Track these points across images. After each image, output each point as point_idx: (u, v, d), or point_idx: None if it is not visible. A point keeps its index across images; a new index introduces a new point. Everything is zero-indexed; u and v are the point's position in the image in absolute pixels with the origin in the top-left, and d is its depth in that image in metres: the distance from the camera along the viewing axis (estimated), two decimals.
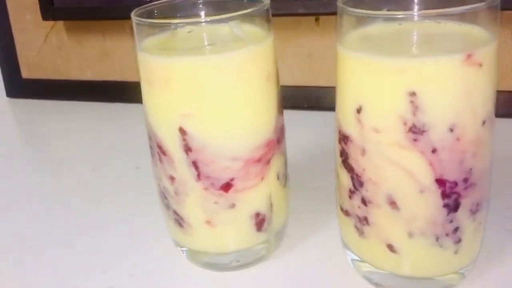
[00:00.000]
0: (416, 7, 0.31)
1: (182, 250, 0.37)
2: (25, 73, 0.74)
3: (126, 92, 0.67)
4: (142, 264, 0.37)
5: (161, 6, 0.34)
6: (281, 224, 0.37)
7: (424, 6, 0.31)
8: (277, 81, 0.33)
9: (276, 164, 0.34)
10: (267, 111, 0.32)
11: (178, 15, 0.34)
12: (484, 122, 0.28)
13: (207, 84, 0.30)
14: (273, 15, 0.32)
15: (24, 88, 0.74)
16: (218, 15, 0.31)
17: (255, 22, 0.31)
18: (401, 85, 0.26)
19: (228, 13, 0.30)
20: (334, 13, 0.30)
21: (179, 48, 0.32)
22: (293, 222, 0.39)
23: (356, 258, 0.33)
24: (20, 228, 0.43)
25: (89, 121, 0.66)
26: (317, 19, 0.58)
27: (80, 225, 0.43)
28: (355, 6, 0.29)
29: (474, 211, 0.30)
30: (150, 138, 0.34)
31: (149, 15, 0.33)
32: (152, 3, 0.33)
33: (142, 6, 0.33)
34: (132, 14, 0.32)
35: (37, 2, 0.66)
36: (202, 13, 0.34)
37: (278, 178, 0.35)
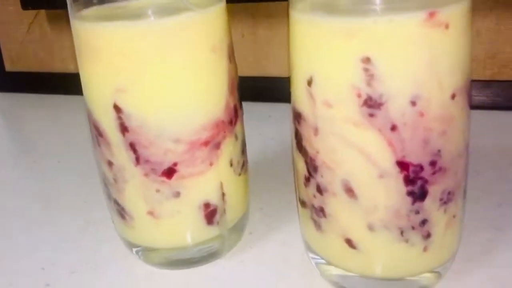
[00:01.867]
0: None
1: (134, 251, 0.33)
2: (8, 66, 0.72)
3: None
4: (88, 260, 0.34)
5: None
6: (238, 218, 0.33)
7: None
8: (229, 55, 0.30)
9: (228, 149, 0.30)
10: (214, 87, 0.29)
11: None
12: (453, 96, 0.24)
13: (142, 54, 0.27)
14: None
15: (8, 81, 0.72)
16: None
17: None
18: (353, 49, 0.23)
19: None
20: None
21: (116, 16, 0.29)
22: (258, 218, 0.35)
23: (317, 257, 0.29)
24: None
25: (72, 114, 0.63)
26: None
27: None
28: None
29: (445, 201, 0.25)
30: (90, 123, 0.30)
31: None
32: None
33: None
34: None
35: None
36: None
37: (231, 165, 0.31)
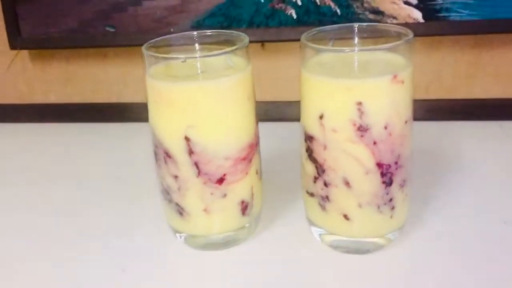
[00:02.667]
0: (355, 40, 0.43)
1: (179, 236, 0.46)
2: None
3: (89, 113, 0.75)
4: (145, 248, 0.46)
5: (164, 40, 0.44)
6: (258, 210, 0.47)
7: (360, 38, 0.43)
8: (254, 99, 0.43)
9: (255, 162, 0.44)
10: (249, 122, 0.43)
11: (177, 47, 0.43)
12: (406, 122, 0.40)
13: (205, 103, 0.40)
14: None
15: None
16: (209, 46, 0.42)
17: (239, 54, 0.41)
18: (351, 97, 0.38)
19: (217, 45, 0.41)
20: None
21: (181, 74, 0.41)
22: (265, 210, 0.49)
23: (320, 230, 0.44)
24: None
25: (52, 141, 0.72)
26: (262, 45, 0.69)
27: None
28: (313, 40, 0.40)
29: (402, 185, 0.41)
30: (156, 146, 0.43)
31: (156, 48, 0.42)
32: (157, 39, 0.43)
33: (150, 41, 0.42)
34: (143, 49, 0.41)
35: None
36: (196, 45, 0.44)
37: (256, 173, 0.45)
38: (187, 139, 0.40)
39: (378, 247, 0.43)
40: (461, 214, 0.48)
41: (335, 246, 0.44)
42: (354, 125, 0.38)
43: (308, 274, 0.42)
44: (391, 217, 0.42)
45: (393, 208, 0.42)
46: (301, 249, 0.45)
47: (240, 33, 0.43)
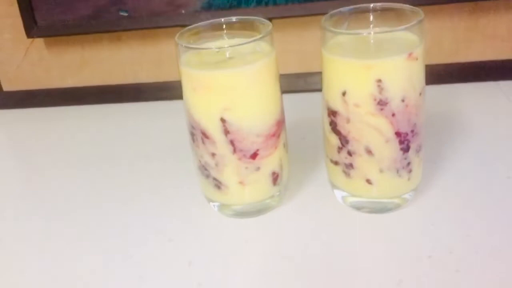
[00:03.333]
0: (370, 19, 0.46)
1: (214, 205, 0.51)
2: (6, 86, 0.82)
3: (107, 94, 0.79)
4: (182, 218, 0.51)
5: (194, 28, 0.47)
6: (286, 179, 0.51)
7: (374, 18, 0.46)
8: (279, 78, 0.47)
9: (283, 137, 0.49)
10: (276, 100, 0.47)
11: (207, 35, 0.47)
12: (420, 94, 0.44)
13: (239, 87, 0.44)
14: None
15: (6, 100, 0.82)
16: (234, 32, 0.47)
17: (265, 40, 0.45)
18: (372, 75, 0.42)
19: (241, 30, 0.45)
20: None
21: (213, 61, 0.45)
22: (291, 178, 0.54)
23: (343, 193, 0.49)
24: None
25: (73, 124, 0.76)
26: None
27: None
28: (330, 22, 0.44)
29: (418, 151, 0.46)
30: (192, 127, 0.47)
31: (188, 37, 0.46)
32: (187, 28, 0.47)
33: (182, 31, 0.46)
34: (176, 39, 0.45)
35: (13, 22, 0.75)
36: (224, 32, 0.48)
37: (284, 146, 0.49)
38: (223, 120, 0.45)
39: (396, 206, 0.48)
40: (468, 171, 0.53)
41: (358, 207, 0.49)
42: (375, 100, 0.43)
43: (334, 233, 0.47)
44: (408, 179, 0.47)
45: (410, 171, 0.46)
46: (326, 211, 0.50)
47: (264, 20, 0.47)
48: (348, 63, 0.43)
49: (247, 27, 0.48)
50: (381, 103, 0.43)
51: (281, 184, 0.50)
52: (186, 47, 0.45)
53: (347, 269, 0.43)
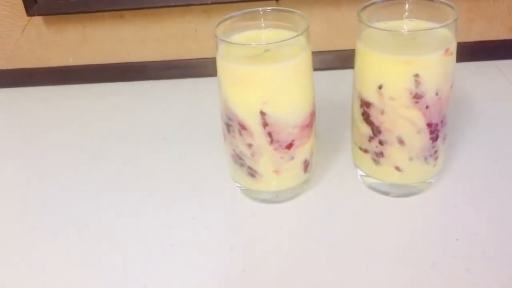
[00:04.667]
0: (405, 11, 0.48)
1: (243, 190, 0.52)
2: (2, 65, 0.79)
3: (110, 73, 0.78)
4: (216, 202, 0.52)
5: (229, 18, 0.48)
6: (315, 165, 0.53)
7: (409, 11, 0.48)
8: (312, 71, 0.49)
9: (314, 126, 0.50)
10: (311, 92, 0.48)
11: (242, 25, 0.48)
12: (451, 86, 0.46)
13: (280, 81, 0.45)
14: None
15: (3, 79, 0.80)
16: (269, 23, 0.47)
17: (303, 34, 0.46)
18: (410, 70, 0.44)
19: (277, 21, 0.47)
20: None
21: (250, 54, 0.45)
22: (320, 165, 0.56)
23: (371, 179, 0.52)
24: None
25: (74, 103, 0.75)
26: (277, 0, 0.73)
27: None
28: (364, 12, 0.46)
29: (444, 138, 0.49)
30: (229, 119, 0.48)
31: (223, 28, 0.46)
32: (223, 19, 0.47)
33: (218, 22, 0.46)
34: (216, 34, 0.45)
35: None
36: (260, 22, 0.49)
37: (315, 135, 0.51)
38: (262, 113, 0.46)
39: (420, 191, 0.51)
40: (479, 153, 0.56)
41: (385, 192, 0.51)
42: (411, 93, 0.44)
43: (363, 217, 0.49)
44: (434, 166, 0.50)
45: (436, 158, 0.49)
46: (353, 195, 0.52)
47: (300, 12, 0.47)
48: (386, 58, 0.44)
49: (282, 18, 0.48)
50: (417, 97, 0.45)
51: (311, 171, 0.52)
52: (225, 41, 0.45)
53: (378, 252, 0.46)
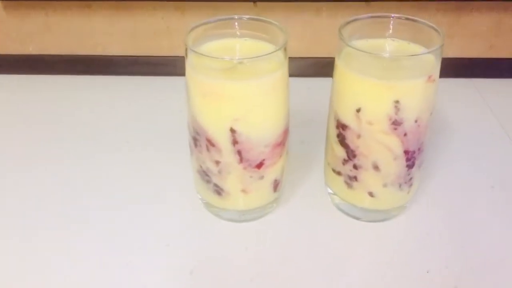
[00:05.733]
0: (389, 30, 0.45)
1: (211, 209, 0.49)
2: None
3: (73, 65, 0.73)
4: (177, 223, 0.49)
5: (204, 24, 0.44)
6: (285, 183, 0.51)
7: (393, 30, 0.46)
8: (289, 85, 0.46)
9: (287, 143, 0.48)
10: (286, 109, 0.45)
11: (216, 32, 0.45)
12: (431, 113, 0.44)
13: (253, 98, 0.42)
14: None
15: None
16: (244, 32, 0.45)
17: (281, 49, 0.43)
18: (391, 96, 0.41)
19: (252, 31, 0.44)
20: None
21: (225, 67, 0.42)
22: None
23: (342, 202, 0.49)
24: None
25: (30, 95, 0.70)
26: (255, 3, 0.69)
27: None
28: (347, 29, 0.43)
29: (419, 165, 0.47)
30: (197, 133, 0.45)
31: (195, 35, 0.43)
32: (195, 25, 0.43)
33: (190, 29, 0.43)
34: (187, 44, 0.42)
35: None
36: (234, 30, 0.46)
37: (287, 153, 0.48)
38: (232, 130, 0.43)
39: (392, 216, 0.49)
40: (453, 177, 0.55)
41: (355, 217, 0.49)
42: (390, 119, 0.42)
43: (331, 238, 0.47)
44: (408, 192, 0.48)
45: (411, 185, 0.47)
46: (322, 217, 0.50)
47: (278, 24, 0.44)
48: (366, 81, 0.42)
49: (260, 28, 0.45)
50: (396, 123, 0.42)
51: (280, 189, 0.50)
52: (195, 52, 0.41)
53: (346, 277, 0.44)
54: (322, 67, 0.69)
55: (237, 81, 0.41)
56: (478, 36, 0.72)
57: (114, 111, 0.67)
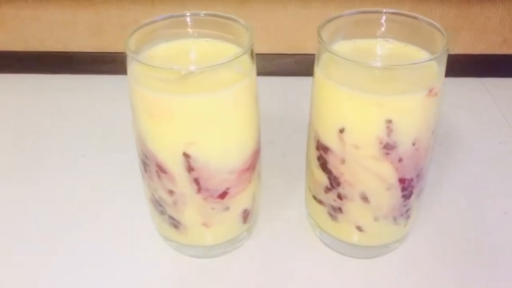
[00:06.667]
0: (380, 30, 0.37)
1: (169, 244, 0.41)
2: None
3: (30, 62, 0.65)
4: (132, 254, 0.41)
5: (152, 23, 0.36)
6: (258, 212, 0.43)
7: (384, 29, 0.37)
8: (258, 97, 0.38)
9: (258, 167, 0.39)
10: (254, 126, 0.37)
11: (166, 32, 0.36)
12: (433, 132, 0.36)
13: (212, 116, 0.34)
14: None
15: None
16: (201, 31, 0.37)
17: (245, 55, 0.34)
18: (381, 114, 0.33)
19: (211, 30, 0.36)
20: None
21: (176, 77, 0.34)
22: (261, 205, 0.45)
23: (325, 235, 0.41)
24: None
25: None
26: None
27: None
28: (329, 29, 0.35)
29: (419, 194, 0.39)
30: (145, 157, 0.37)
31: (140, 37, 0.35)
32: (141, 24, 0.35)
33: (133, 30, 0.35)
34: (127, 47, 0.33)
35: None
36: (189, 30, 0.37)
37: (258, 177, 0.40)
38: (186, 155, 0.35)
39: (386, 252, 0.41)
40: (461, 200, 0.46)
41: (341, 252, 0.41)
42: (381, 143, 0.34)
43: (311, 278, 0.39)
44: (405, 226, 0.40)
45: (408, 217, 0.39)
46: (302, 251, 0.42)
47: (243, 22, 0.36)
48: (350, 95, 0.33)
49: (221, 27, 0.37)
50: (388, 147, 0.34)
51: (252, 220, 0.42)
52: (135, 60, 0.33)
53: None
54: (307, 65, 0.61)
55: (189, 96, 0.33)
56: (489, 30, 0.63)
57: (74, 115, 0.59)
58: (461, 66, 0.64)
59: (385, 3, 0.57)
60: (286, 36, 0.63)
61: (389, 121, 0.33)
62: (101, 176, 0.50)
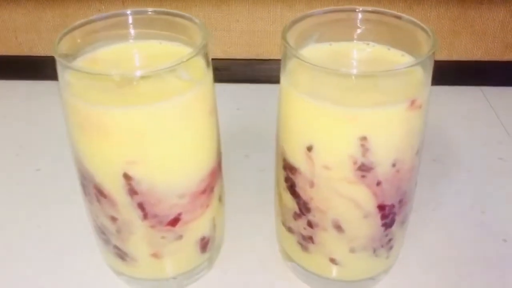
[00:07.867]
0: (355, 33, 0.32)
1: (120, 278, 0.36)
2: None
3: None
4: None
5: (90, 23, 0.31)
6: (220, 239, 0.38)
7: (360, 30, 0.32)
8: (216, 109, 0.32)
9: (218, 189, 0.34)
10: (211, 142, 0.32)
11: (106, 34, 0.31)
12: (417, 151, 0.31)
13: (154, 131, 0.28)
14: None
15: None
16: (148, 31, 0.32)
17: (197, 56, 0.29)
18: (354, 130, 0.28)
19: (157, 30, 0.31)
20: None
21: (115, 86, 0.29)
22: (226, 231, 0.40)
23: (297, 266, 0.36)
24: None
25: None
26: None
27: None
28: (296, 31, 0.30)
29: (403, 222, 0.33)
30: (83, 177, 0.31)
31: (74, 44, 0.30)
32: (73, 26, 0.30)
33: (64, 31, 0.30)
34: (54, 50, 0.29)
35: None
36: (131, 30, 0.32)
37: (219, 200, 0.35)
38: (127, 177, 0.29)
39: (368, 286, 0.36)
40: (453, 226, 0.41)
41: (313, 286, 0.36)
42: (355, 163, 0.29)
43: None
44: (387, 257, 0.34)
45: (390, 248, 0.34)
46: (270, 281, 0.37)
47: (196, 19, 0.31)
48: (318, 107, 0.28)
49: (170, 26, 0.32)
50: (363, 169, 0.29)
51: (213, 248, 0.36)
52: (65, 65, 0.28)
53: None
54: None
55: (129, 107, 0.28)
56: (490, 34, 0.58)
57: (39, 125, 0.54)
58: (459, 73, 0.59)
59: (376, 5, 0.52)
60: (268, 40, 0.58)
61: (364, 138, 0.28)
62: (53, 193, 0.45)
